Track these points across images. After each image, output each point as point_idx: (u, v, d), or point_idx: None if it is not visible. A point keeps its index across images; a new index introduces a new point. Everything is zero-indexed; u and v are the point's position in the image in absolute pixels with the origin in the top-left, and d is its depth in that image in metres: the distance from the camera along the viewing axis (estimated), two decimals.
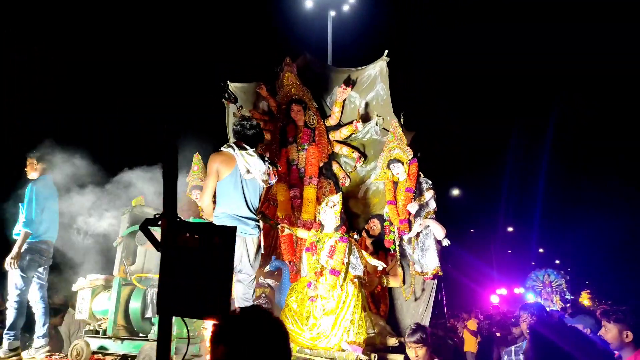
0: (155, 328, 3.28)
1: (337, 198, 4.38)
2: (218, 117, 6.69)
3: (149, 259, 3.66)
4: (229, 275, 1.98)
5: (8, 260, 3.94)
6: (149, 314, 3.32)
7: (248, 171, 3.40)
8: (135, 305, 3.43)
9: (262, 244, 3.53)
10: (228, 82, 6.14)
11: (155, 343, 3.01)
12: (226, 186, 3.40)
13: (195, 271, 1.92)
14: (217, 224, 3.21)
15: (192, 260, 1.93)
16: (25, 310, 3.82)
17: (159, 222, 1.88)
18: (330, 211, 4.30)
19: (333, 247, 4.18)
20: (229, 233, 2.01)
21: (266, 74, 6.04)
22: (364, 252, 4.36)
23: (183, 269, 1.89)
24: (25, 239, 3.95)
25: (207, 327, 3.32)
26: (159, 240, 1.93)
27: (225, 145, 3.53)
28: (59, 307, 5.61)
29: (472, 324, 8.27)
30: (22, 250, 3.89)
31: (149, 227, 1.96)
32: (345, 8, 12.25)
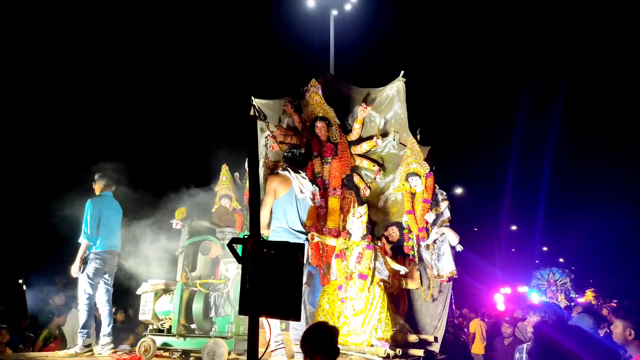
0: (216, 326, 4.03)
1: (363, 209, 5.15)
2: (242, 131, 7.43)
3: (206, 266, 4.42)
4: (299, 283, 2.75)
5: (72, 268, 4.71)
6: (212, 314, 4.07)
7: (301, 191, 4.16)
8: (198, 306, 4.15)
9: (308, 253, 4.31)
10: (253, 97, 6.91)
11: (216, 339, 3.80)
12: (283, 204, 4.09)
13: (273, 280, 2.68)
14: (275, 237, 3.94)
15: (271, 271, 2.70)
16: (93, 312, 4.59)
17: (244, 242, 2.66)
18: (357, 221, 5.08)
19: (361, 254, 4.96)
20: (299, 249, 2.79)
21: (289, 91, 6.81)
22: (387, 258, 5.15)
23: (264, 278, 2.65)
24: (84, 249, 4.71)
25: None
26: (239, 254, 2.71)
27: (281, 169, 4.30)
28: (60, 308, 6.39)
29: (477, 326, 8.92)
30: (84, 259, 4.66)
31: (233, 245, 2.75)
32: (347, 7, 12.91)
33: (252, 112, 6.97)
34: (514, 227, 27.46)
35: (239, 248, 2.73)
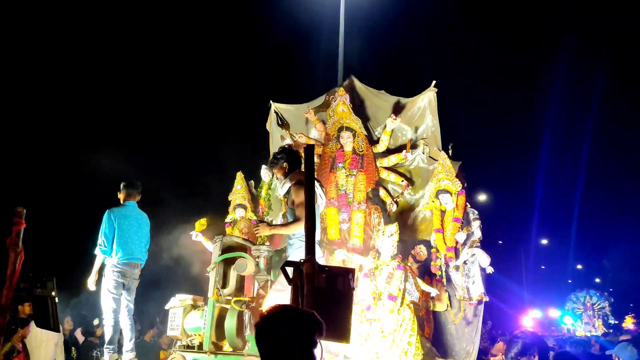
0: (249, 344, 4.64)
1: (394, 228, 5.76)
2: (258, 137, 8.11)
3: (237, 283, 5.04)
4: (349, 306, 3.35)
5: (89, 280, 5.34)
6: (247, 332, 4.68)
7: (321, 197, 4.68)
8: (231, 323, 4.70)
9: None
10: (271, 102, 7.55)
11: (250, 357, 4.43)
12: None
13: (325, 302, 3.29)
14: (299, 246, 4.39)
15: (323, 294, 3.31)
16: (119, 327, 5.23)
17: (299, 265, 3.29)
18: (388, 240, 5.70)
19: (390, 274, 5.58)
20: (350, 273, 3.42)
21: (309, 94, 7.44)
22: (418, 279, 5.79)
23: (317, 300, 3.26)
24: (99, 261, 5.33)
25: None
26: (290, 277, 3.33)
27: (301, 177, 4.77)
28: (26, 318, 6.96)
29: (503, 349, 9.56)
30: (100, 271, 5.30)
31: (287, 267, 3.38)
32: None
33: (269, 123, 7.65)
34: (544, 241, 27.56)
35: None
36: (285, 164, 4.64)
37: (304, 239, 4.51)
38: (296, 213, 4.54)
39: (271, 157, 4.81)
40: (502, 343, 9.63)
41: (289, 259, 4.37)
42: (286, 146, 7.18)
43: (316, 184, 4.55)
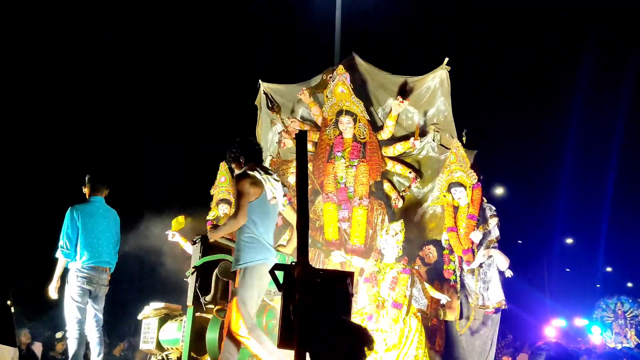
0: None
1: (398, 226, 5.71)
2: (244, 121, 8.03)
3: (220, 290, 4.97)
4: (347, 314, 3.30)
5: (49, 288, 5.25)
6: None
7: (274, 197, 4.57)
8: (212, 335, 4.60)
9: None
10: (260, 81, 7.46)
11: None
12: (254, 211, 4.31)
13: (319, 311, 3.24)
14: (249, 250, 4.24)
15: (317, 301, 3.26)
16: (85, 340, 5.15)
17: (290, 269, 3.23)
18: (392, 240, 5.64)
19: (395, 278, 5.53)
20: (348, 278, 3.36)
21: (303, 73, 7.36)
22: (426, 285, 5.74)
23: (310, 309, 3.21)
24: (60, 265, 5.22)
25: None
26: (280, 282, 3.28)
27: (247, 169, 4.43)
28: None
29: None
30: (63, 277, 5.20)
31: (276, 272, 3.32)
32: None
33: (259, 100, 7.56)
34: (569, 241, 27.48)
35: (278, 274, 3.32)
36: (242, 158, 4.56)
37: (252, 240, 4.42)
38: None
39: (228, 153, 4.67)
40: (524, 355, 9.64)
41: (238, 265, 4.28)
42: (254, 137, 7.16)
43: (265, 177, 4.44)
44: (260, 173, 4.43)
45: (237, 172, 4.56)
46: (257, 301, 4.33)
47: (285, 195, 4.59)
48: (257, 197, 4.38)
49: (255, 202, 4.37)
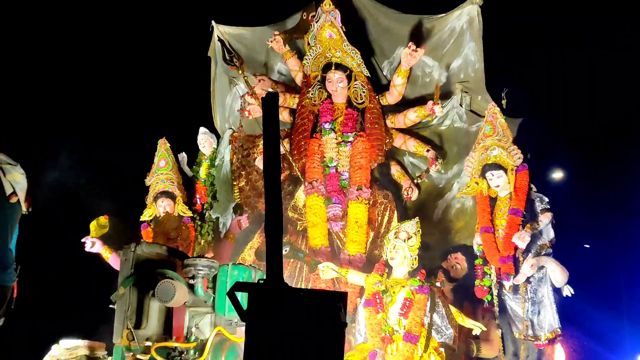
0: None
1: (412, 227, 5.72)
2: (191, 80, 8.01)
3: (160, 320, 4.97)
4: (339, 350, 3.35)
5: None
6: None
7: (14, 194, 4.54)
8: None
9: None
10: (214, 23, 7.42)
11: None
12: None
13: (299, 347, 3.28)
14: None
15: (297, 333, 3.30)
16: None
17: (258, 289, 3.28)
18: (403, 247, 5.69)
19: (408, 300, 5.57)
20: (339, 301, 3.40)
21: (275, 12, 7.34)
22: (452, 308, 5.78)
23: (286, 344, 3.26)
24: None
25: None
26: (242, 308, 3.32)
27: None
28: None
29: None
30: None
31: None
32: None
33: (212, 49, 7.54)
34: None
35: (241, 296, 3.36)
36: None
37: None
38: None
39: None
40: None
41: None
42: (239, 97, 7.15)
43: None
44: None
45: None
46: None
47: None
48: None
49: None
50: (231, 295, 3.32)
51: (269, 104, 3.20)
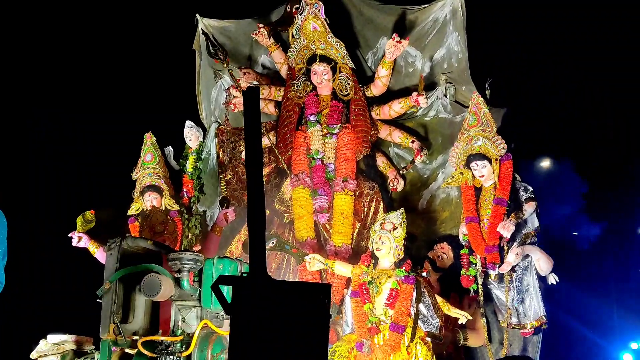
0: None
1: (398, 217, 5.74)
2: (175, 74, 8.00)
3: (147, 314, 4.99)
4: (324, 344, 3.38)
5: None
6: None
7: None
8: None
9: None
10: (198, 16, 7.42)
11: None
12: None
13: (284, 341, 3.30)
14: None
15: (281, 328, 3.33)
16: None
17: (241, 282, 3.31)
18: (389, 237, 5.72)
19: (395, 291, 5.61)
20: (324, 293, 3.43)
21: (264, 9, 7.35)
22: (438, 298, 5.82)
23: (271, 338, 3.28)
24: None
25: None
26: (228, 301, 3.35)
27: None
28: None
29: None
30: None
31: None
32: None
33: (197, 43, 7.54)
34: None
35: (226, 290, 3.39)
36: None
37: None
38: None
39: None
40: None
41: None
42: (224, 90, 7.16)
43: None
44: None
45: None
46: None
47: None
48: None
49: None
50: (215, 288, 3.35)
51: (250, 98, 3.21)
